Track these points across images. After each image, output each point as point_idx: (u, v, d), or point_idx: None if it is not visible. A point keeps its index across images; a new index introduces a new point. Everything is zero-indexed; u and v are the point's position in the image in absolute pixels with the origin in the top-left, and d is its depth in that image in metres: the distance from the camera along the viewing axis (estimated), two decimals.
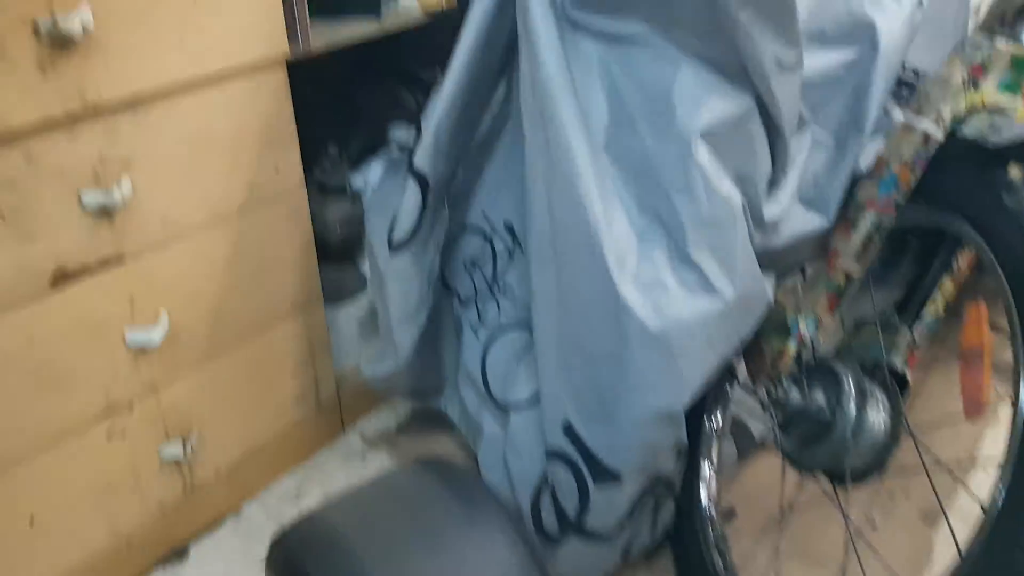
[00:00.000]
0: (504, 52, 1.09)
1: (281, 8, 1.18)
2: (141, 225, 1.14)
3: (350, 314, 1.59)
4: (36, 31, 0.94)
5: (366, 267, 1.62)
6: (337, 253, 1.53)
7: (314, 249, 1.41)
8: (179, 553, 1.38)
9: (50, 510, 1.16)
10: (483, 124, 1.19)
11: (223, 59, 1.14)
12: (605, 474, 1.01)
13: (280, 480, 1.53)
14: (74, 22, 0.94)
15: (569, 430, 1.03)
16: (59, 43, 0.96)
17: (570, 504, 1.07)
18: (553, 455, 1.07)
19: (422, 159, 1.13)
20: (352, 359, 1.62)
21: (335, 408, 1.60)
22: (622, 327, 0.92)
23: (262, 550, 1.37)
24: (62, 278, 1.07)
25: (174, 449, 1.29)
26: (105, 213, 1.09)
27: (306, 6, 1.20)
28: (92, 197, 1.06)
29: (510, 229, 1.21)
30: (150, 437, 1.26)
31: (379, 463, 1.57)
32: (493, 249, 1.23)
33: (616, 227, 0.92)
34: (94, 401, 1.17)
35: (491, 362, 1.24)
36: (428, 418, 1.64)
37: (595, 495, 1.04)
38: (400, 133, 1.77)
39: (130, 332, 1.17)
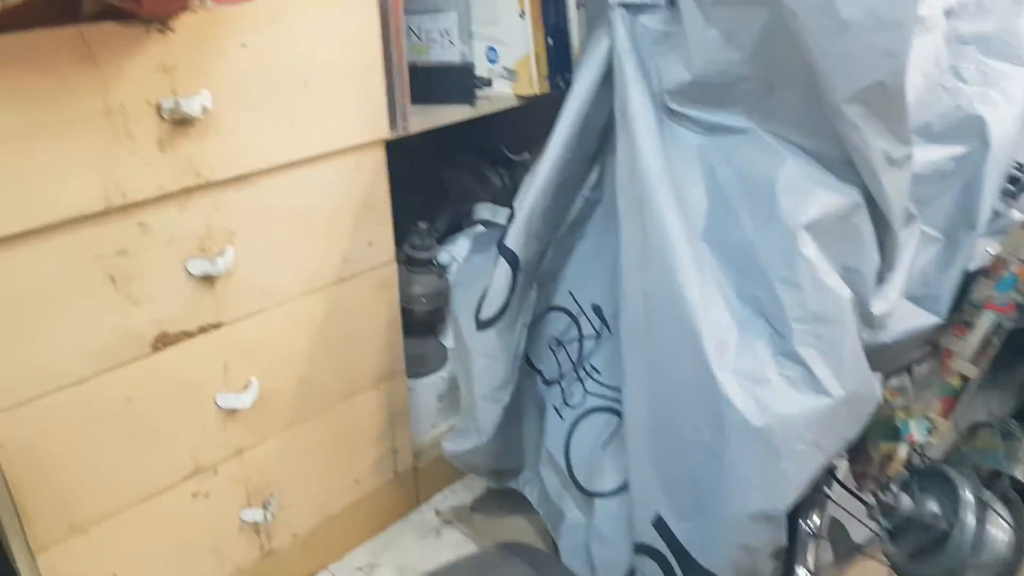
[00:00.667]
0: (600, 137, 1.10)
1: (384, 95, 1.22)
2: (240, 293, 1.17)
3: (430, 387, 1.60)
4: (159, 111, 0.99)
5: (448, 341, 1.63)
6: (421, 326, 1.55)
7: (400, 321, 1.42)
8: None
9: (132, 566, 1.18)
10: (575, 207, 1.19)
11: (329, 141, 1.19)
12: (698, 574, 0.97)
13: (354, 551, 1.52)
14: (195, 104, 0.99)
15: (660, 524, 1.00)
16: (179, 122, 1.01)
17: None
18: (642, 548, 1.04)
19: (514, 239, 1.14)
20: (430, 433, 1.62)
21: (411, 481, 1.59)
22: (722, 419, 0.89)
23: None
24: (163, 342, 1.11)
25: (254, 513, 1.30)
26: (208, 281, 1.13)
27: (408, 94, 1.24)
28: (197, 266, 1.10)
29: (598, 311, 1.19)
30: (232, 500, 1.28)
31: (454, 540, 1.55)
32: (580, 330, 1.22)
33: (714, 314, 0.90)
34: (182, 461, 1.19)
35: (575, 445, 1.21)
36: (505, 497, 1.61)
37: None
38: (485, 210, 1.80)
39: (221, 396, 1.19)
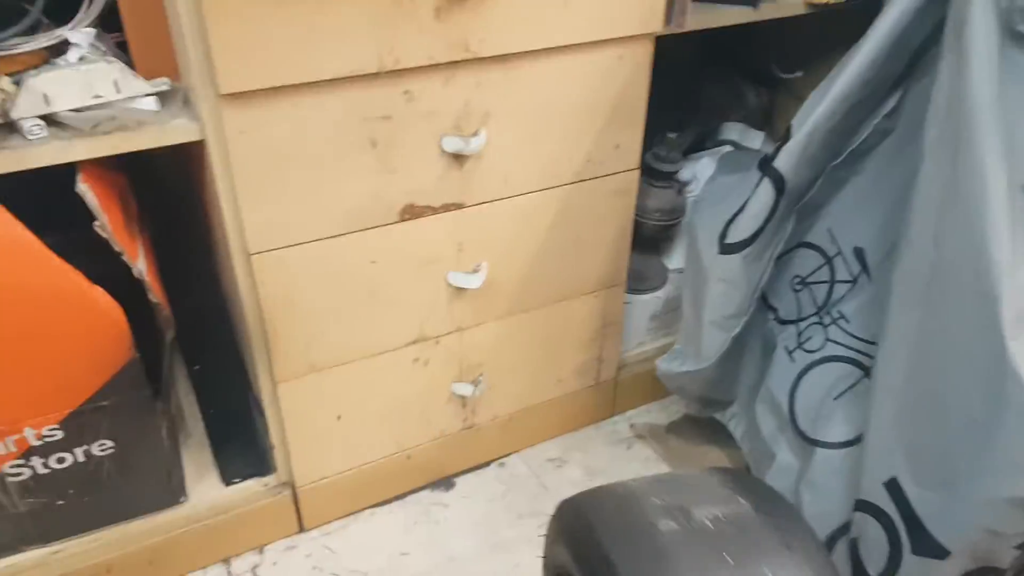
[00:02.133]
0: (912, 57, 0.97)
1: None
2: (484, 178, 1.18)
3: (646, 305, 1.57)
4: None
5: (671, 262, 1.58)
6: (647, 242, 1.50)
7: (631, 233, 1.39)
8: (447, 482, 1.47)
9: (355, 411, 1.28)
10: (860, 134, 1.07)
11: (598, 29, 1.14)
12: (930, 546, 0.90)
13: (545, 443, 1.56)
14: None
15: (894, 487, 0.93)
16: None
17: (874, 563, 0.98)
18: (865, 507, 0.98)
19: (784, 161, 1.05)
20: (637, 349, 1.60)
21: (611, 391, 1.59)
22: (1003, 396, 0.79)
23: (520, 499, 1.43)
24: (409, 213, 1.15)
25: (464, 388, 1.36)
26: (458, 160, 1.14)
27: None
28: (451, 143, 1.12)
29: (859, 255, 1.09)
30: (446, 372, 1.34)
31: (643, 455, 1.54)
32: (832, 273, 1.12)
33: (1021, 278, 0.78)
34: (410, 328, 1.25)
35: (803, 391, 1.14)
36: (702, 426, 1.58)
37: (909, 564, 0.93)
38: (734, 131, 1.69)
39: (453, 275, 1.23)
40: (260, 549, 1.31)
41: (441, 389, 1.36)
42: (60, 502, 1.13)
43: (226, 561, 1.29)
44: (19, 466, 1.07)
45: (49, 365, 1.01)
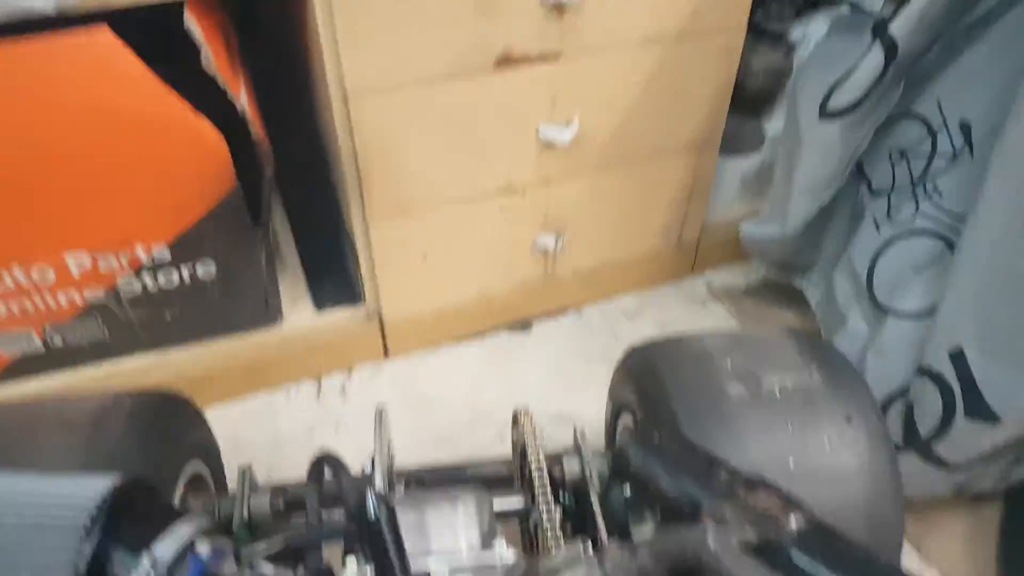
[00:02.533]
0: None
1: None
2: (583, 29, 1.16)
3: (738, 168, 1.54)
4: None
5: (768, 126, 1.53)
6: (746, 103, 1.45)
7: (730, 93, 1.35)
8: (525, 325, 1.54)
9: (441, 254, 1.34)
10: (984, 2, 0.99)
11: None
12: (983, 412, 0.93)
13: (622, 297, 1.60)
14: None
15: (958, 356, 0.95)
16: None
17: (926, 424, 1.01)
18: (926, 372, 1.00)
19: (901, 25, 0.99)
20: (723, 213, 1.59)
21: (692, 252, 1.60)
22: None
23: (593, 345, 1.50)
24: (505, 62, 1.15)
25: (547, 240, 1.40)
26: (558, 9, 1.12)
27: None
28: None
29: (965, 130, 1.04)
30: (532, 223, 1.37)
31: (718, 313, 1.57)
32: (934, 146, 1.08)
33: None
34: (499, 177, 1.28)
35: (885, 260, 1.13)
36: (779, 291, 1.59)
37: (960, 427, 0.97)
38: None
39: (544, 127, 1.24)
40: (348, 371, 1.43)
41: (525, 240, 1.40)
42: (167, 315, 1.24)
43: (317, 378, 1.41)
44: (131, 280, 1.17)
45: (157, 189, 1.09)
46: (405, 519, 0.60)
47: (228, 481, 1.01)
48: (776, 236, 1.30)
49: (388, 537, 0.51)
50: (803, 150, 1.17)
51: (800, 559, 0.55)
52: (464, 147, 1.21)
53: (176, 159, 1.07)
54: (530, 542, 0.89)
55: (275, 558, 0.60)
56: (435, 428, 1.33)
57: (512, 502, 0.91)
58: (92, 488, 0.55)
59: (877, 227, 1.16)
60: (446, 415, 1.36)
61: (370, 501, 0.51)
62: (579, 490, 0.93)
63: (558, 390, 1.41)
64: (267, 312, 1.32)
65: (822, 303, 1.35)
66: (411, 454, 1.31)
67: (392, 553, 0.51)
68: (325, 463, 0.60)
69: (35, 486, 0.56)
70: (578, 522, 0.90)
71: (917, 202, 1.11)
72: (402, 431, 1.32)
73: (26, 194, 1.03)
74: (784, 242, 1.30)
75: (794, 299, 1.51)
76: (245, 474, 0.90)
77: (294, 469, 1.26)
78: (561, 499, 0.90)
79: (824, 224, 1.29)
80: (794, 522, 0.57)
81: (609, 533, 0.82)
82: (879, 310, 1.13)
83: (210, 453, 0.98)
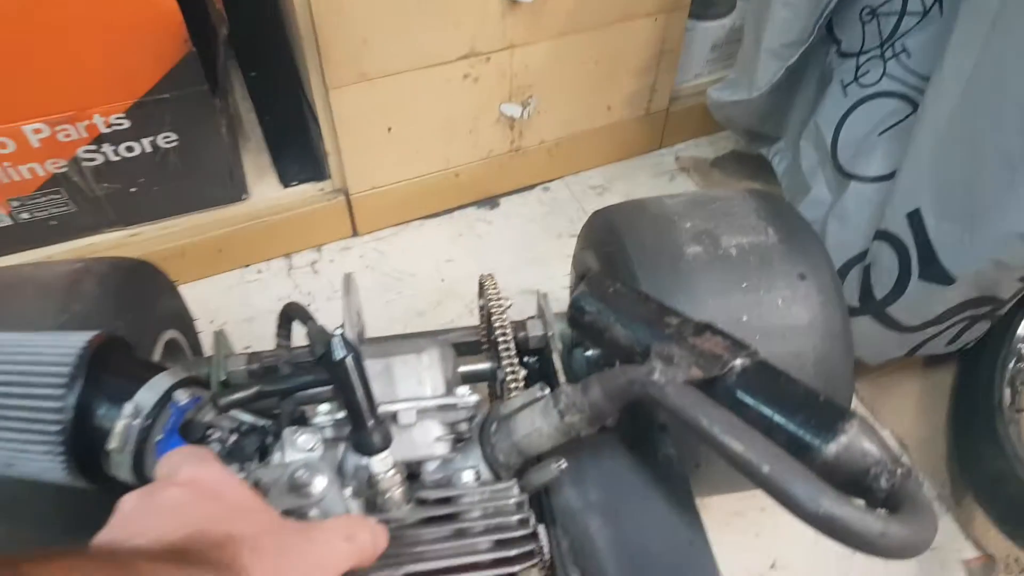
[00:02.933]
0: None
1: None
2: None
3: (708, 32, 1.51)
4: None
5: None
6: None
7: None
8: (492, 201, 1.54)
9: (405, 125, 1.32)
10: None
11: None
12: (937, 274, 0.96)
13: (589, 172, 1.60)
14: None
15: (915, 217, 0.96)
16: None
17: (882, 286, 1.04)
18: (884, 235, 1.02)
19: None
20: (693, 81, 1.57)
21: (660, 122, 1.59)
22: None
23: (560, 220, 1.51)
24: None
25: (512, 108, 1.38)
26: None
27: None
28: None
29: None
30: (496, 90, 1.35)
31: (685, 186, 1.58)
32: (904, 4, 1.06)
33: None
34: (461, 41, 1.25)
35: (850, 125, 1.14)
36: (746, 162, 1.59)
37: (914, 288, 1.00)
38: None
39: None
40: (318, 248, 1.43)
41: (490, 108, 1.38)
42: (133, 189, 1.22)
43: (287, 256, 1.42)
44: (92, 151, 1.15)
45: (111, 54, 1.06)
46: (372, 367, 0.62)
47: (203, 353, 1.02)
48: (743, 100, 1.29)
49: (354, 376, 0.53)
50: (771, 8, 1.15)
51: (744, 395, 0.58)
52: (424, 8, 1.17)
53: (128, 21, 1.03)
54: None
55: (252, 411, 0.63)
56: (405, 303, 1.35)
57: (479, 365, 0.94)
58: (73, 342, 0.57)
59: (844, 90, 1.16)
60: (415, 290, 1.37)
61: (336, 342, 0.53)
62: (543, 353, 0.96)
63: (525, 264, 1.42)
64: (232, 187, 1.31)
65: (788, 172, 1.35)
66: (383, 328, 1.34)
67: (359, 392, 0.53)
68: (290, 313, 0.61)
69: (20, 340, 0.57)
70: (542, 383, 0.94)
71: (885, 63, 1.10)
72: (372, 306, 1.34)
73: None
74: (751, 106, 1.29)
75: (761, 170, 1.51)
76: (220, 337, 0.91)
77: (268, 342, 1.28)
78: (525, 361, 0.93)
79: (792, 90, 1.28)
80: (739, 361, 0.59)
81: None
82: (842, 175, 1.14)
83: (184, 322, 0.99)
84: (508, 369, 0.81)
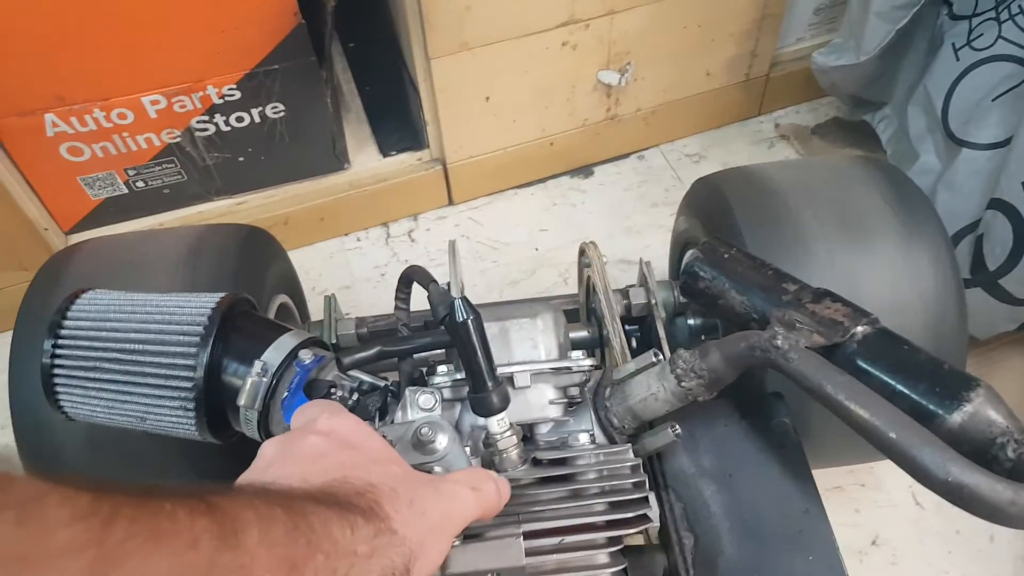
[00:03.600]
0: None
1: None
2: None
3: None
4: None
5: None
6: None
7: None
8: (586, 170, 1.53)
9: (503, 94, 1.33)
10: None
11: None
12: None
13: (685, 139, 1.58)
14: None
15: None
16: None
17: (994, 257, 1.01)
18: (998, 204, 0.98)
19: None
20: (795, 45, 1.52)
21: (760, 88, 1.55)
22: None
23: (655, 191, 1.50)
24: None
25: (610, 75, 1.37)
26: None
27: None
28: None
29: None
30: (594, 58, 1.34)
31: (784, 154, 1.54)
32: None
33: None
34: (562, 8, 1.24)
35: (962, 90, 1.09)
36: (849, 130, 1.54)
37: None
38: None
39: None
40: (415, 217, 1.46)
41: (588, 76, 1.37)
42: (241, 158, 1.27)
43: (385, 224, 1.45)
44: (204, 121, 1.20)
45: (224, 27, 1.10)
46: (489, 330, 0.64)
47: (310, 317, 1.06)
48: (850, 64, 1.25)
49: (475, 338, 0.54)
50: None
51: (867, 362, 0.57)
52: None
53: None
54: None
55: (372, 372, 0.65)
56: (499, 272, 1.37)
57: (581, 334, 0.94)
58: (204, 303, 0.60)
59: (956, 54, 1.11)
60: (510, 259, 1.39)
61: (458, 304, 0.54)
62: (645, 321, 0.96)
63: (620, 234, 1.42)
64: (334, 156, 1.34)
65: (894, 138, 1.30)
66: (480, 296, 1.36)
67: (480, 354, 0.54)
68: (412, 276, 0.63)
69: (153, 301, 0.61)
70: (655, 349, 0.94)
71: (1000, 25, 1.05)
72: (468, 275, 1.36)
73: (101, 35, 1.05)
74: (858, 71, 1.25)
75: (864, 138, 1.46)
76: (330, 300, 0.95)
77: (368, 308, 1.33)
78: (627, 330, 0.93)
79: (901, 53, 1.22)
80: (860, 328, 0.58)
81: None
82: (953, 142, 1.10)
83: (294, 288, 1.03)
84: (613, 334, 0.81)
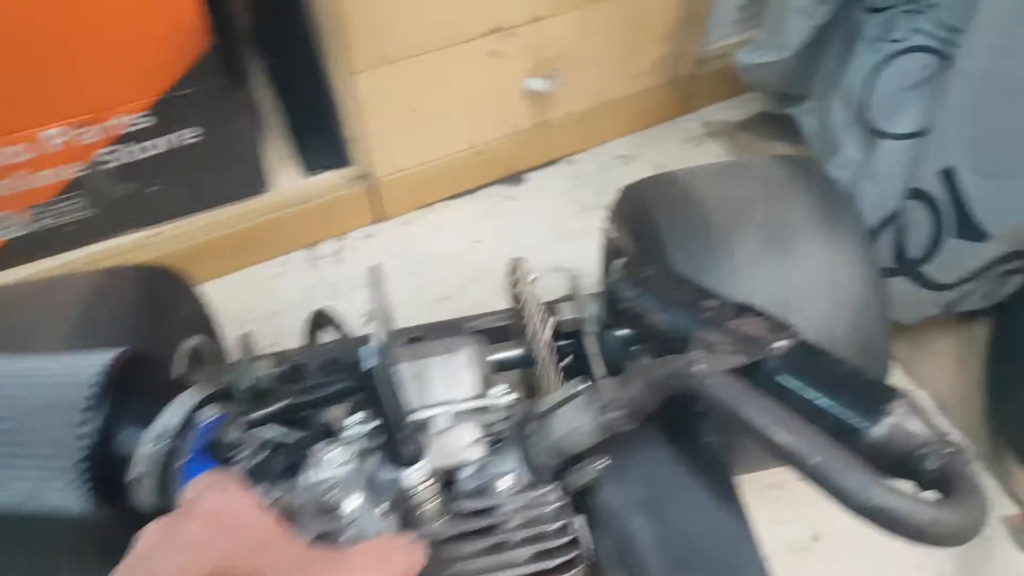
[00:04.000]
0: None
1: None
2: None
3: None
4: None
5: None
6: None
7: None
8: (517, 178, 1.51)
9: (429, 105, 1.30)
10: None
11: None
12: (971, 231, 0.94)
13: (617, 140, 1.57)
14: None
15: (948, 175, 0.94)
16: None
17: (916, 246, 1.02)
18: (917, 194, 1.00)
19: None
20: (720, 43, 1.52)
21: (688, 88, 1.55)
22: None
23: (587, 195, 1.48)
24: None
25: (538, 82, 1.35)
26: None
27: None
28: None
29: None
30: (521, 65, 1.32)
31: (714, 152, 1.54)
32: None
33: None
34: (486, 16, 1.22)
35: (880, 82, 1.10)
36: (776, 124, 1.55)
37: (949, 246, 0.98)
38: None
39: None
40: (341, 236, 1.42)
41: (515, 84, 1.35)
42: (153, 188, 1.22)
43: (310, 247, 1.41)
44: (112, 153, 1.14)
45: (132, 51, 1.05)
46: (405, 371, 0.60)
47: (230, 355, 1.02)
48: (771, 62, 1.25)
49: (385, 385, 0.51)
50: None
51: (786, 379, 0.56)
52: None
53: (148, 18, 1.02)
54: (532, 392, 0.90)
55: (281, 422, 0.61)
56: (433, 287, 1.34)
57: (512, 352, 0.92)
58: (93, 363, 0.55)
59: (874, 45, 1.11)
60: (442, 274, 1.36)
61: (365, 351, 0.51)
62: (577, 336, 0.93)
63: (555, 240, 1.40)
64: (254, 179, 1.30)
65: (817, 132, 1.31)
66: (411, 314, 1.33)
67: (392, 401, 0.51)
68: (319, 321, 0.59)
69: (37, 365, 0.56)
70: (577, 368, 0.92)
71: (914, 17, 1.06)
72: (400, 292, 1.33)
73: None
74: (780, 67, 1.25)
75: (790, 132, 1.47)
76: (244, 340, 0.90)
77: (295, 337, 1.28)
78: (559, 346, 0.91)
79: (821, 48, 1.23)
80: (781, 344, 0.57)
81: (609, 375, 0.83)
82: (873, 134, 1.11)
83: (207, 327, 0.98)
84: (542, 357, 0.79)
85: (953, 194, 0.95)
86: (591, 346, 0.87)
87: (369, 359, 0.51)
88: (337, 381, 0.60)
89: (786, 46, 1.21)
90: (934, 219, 0.98)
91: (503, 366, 0.93)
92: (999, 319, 1.19)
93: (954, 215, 0.96)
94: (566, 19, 1.28)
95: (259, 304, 1.32)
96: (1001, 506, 1.07)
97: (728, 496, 0.61)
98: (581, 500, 0.62)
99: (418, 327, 1.03)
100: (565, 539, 0.54)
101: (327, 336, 0.68)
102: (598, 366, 0.85)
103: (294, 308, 1.32)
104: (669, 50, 1.44)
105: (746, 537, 0.59)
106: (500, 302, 1.28)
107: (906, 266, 1.05)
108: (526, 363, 0.92)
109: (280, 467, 0.56)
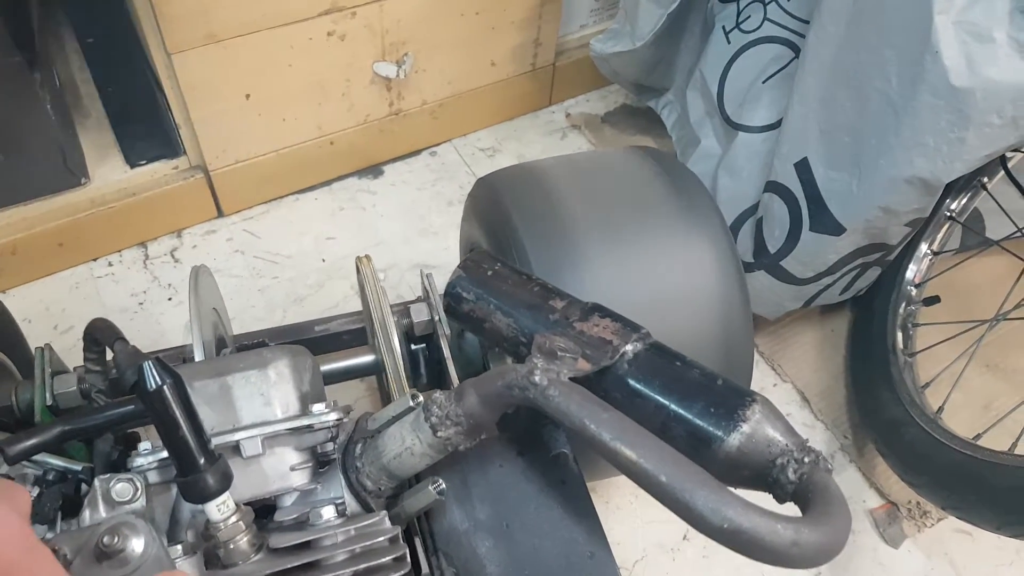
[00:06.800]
0: None
1: None
2: None
3: None
4: None
5: None
6: None
7: None
8: (375, 170, 1.43)
9: (265, 90, 1.19)
10: None
11: None
12: (827, 224, 0.93)
13: (478, 133, 1.51)
14: None
15: (803, 167, 0.93)
16: None
17: (774, 240, 1.01)
18: (774, 187, 0.99)
19: None
20: (578, 33, 1.49)
21: (548, 78, 1.51)
22: (920, 71, 0.77)
23: (450, 187, 1.41)
24: None
25: (388, 67, 1.27)
26: None
27: None
28: None
29: None
30: (367, 49, 1.24)
31: (577, 144, 1.51)
32: None
33: None
34: None
35: (734, 74, 1.09)
36: (638, 116, 1.54)
37: (806, 239, 0.97)
38: None
39: None
40: (178, 233, 1.29)
41: (363, 68, 1.26)
42: None
43: (142, 245, 1.27)
44: None
45: None
46: (205, 390, 0.52)
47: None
48: (626, 50, 1.22)
49: (175, 408, 0.43)
50: None
51: (637, 384, 0.51)
52: None
53: None
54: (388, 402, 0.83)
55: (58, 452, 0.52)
56: (282, 288, 1.24)
57: (360, 359, 0.84)
58: None
59: (727, 37, 1.11)
60: (294, 273, 1.26)
61: (147, 368, 0.42)
62: (432, 339, 0.87)
63: (416, 236, 1.33)
64: (67, 171, 1.15)
65: (677, 124, 1.30)
66: (261, 317, 1.22)
67: (184, 427, 0.43)
68: (95, 334, 0.50)
69: None
70: (438, 373, 0.85)
71: (765, 7, 1.05)
72: (246, 295, 1.22)
73: None
74: (635, 57, 1.23)
75: (653, 124, 1.46)
76: (43, 355, 0.78)
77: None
78: (416, 350, 0.85)
79: (676, 39, 1.22)
80: (631, 347, 0.52)
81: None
82: (730, 126, 1.10)
83: (9, 339, 0.85)
84: (389, 364, 0.72)
85: (808, 187, 0.95)
86: (445, 349, 0.81)
87: (152, 377, 0.43)
88: (127, 403, 0.51)
89: (640, 35, 1.19)
90: (791, 212, 0.98)
91: (350, 374, 0.86)
92: (857, 311, 1.21)
93: (810, 208, 0.95)
94: (413, 2, 1.21)
95: (83, 309, 1.18)
96: (865, 498, 1.08)
97: (583, 513, 0.56)
98: (420, 526, 0.56)
99: (259, 331, 0.94)
100: (401, 572, 0.48)
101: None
102: (453, 372, 0.79)
103: (124, 313, 1.19)
104: (526, 38, 1.39)
105: (603, 559, 0.54)
106: (358, 304, 1.20)
107: (766, 260, 1.04)
108: (376, 370, 0.85)
109: (53, 505, 0.47)
